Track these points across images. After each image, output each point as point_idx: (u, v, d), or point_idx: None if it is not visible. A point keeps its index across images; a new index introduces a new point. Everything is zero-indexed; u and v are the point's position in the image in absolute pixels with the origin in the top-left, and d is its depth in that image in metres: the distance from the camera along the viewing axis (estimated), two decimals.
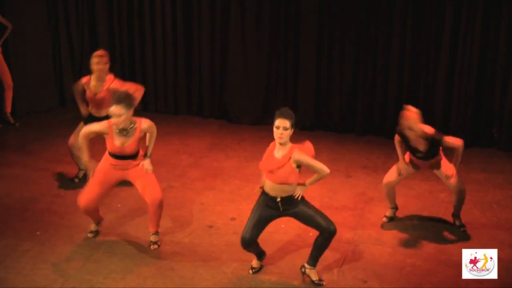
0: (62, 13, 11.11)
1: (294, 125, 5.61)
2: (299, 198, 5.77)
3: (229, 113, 10.84)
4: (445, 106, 9.63)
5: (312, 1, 9.97)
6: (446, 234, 6.90)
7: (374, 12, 9.71)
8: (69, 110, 10.84)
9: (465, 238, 6.81)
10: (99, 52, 7.74)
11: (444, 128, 9.61)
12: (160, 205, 6.45)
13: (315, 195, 7.84)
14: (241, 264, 6.20)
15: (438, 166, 6.81)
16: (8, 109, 10.35)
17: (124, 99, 6.12)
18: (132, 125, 6.23)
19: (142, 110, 11.22)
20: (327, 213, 7.34)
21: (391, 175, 7.02)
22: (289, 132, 5.57)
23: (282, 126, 5.52)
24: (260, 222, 5.85)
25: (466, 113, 9.52)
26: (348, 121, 10.27)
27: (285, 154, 5.62)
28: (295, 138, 5.91)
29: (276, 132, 5.57)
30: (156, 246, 6.57)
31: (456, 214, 7.07)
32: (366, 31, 9.82)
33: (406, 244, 6.71)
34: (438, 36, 9.45)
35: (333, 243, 6.64)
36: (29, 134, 9.99)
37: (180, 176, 8.47)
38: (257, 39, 10.46)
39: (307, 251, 5.98)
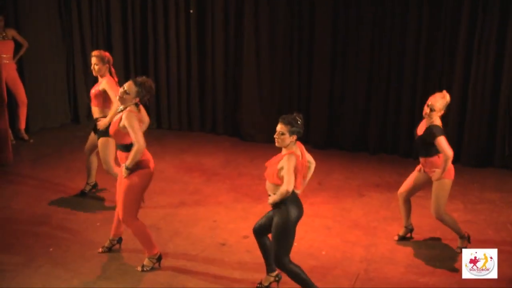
0: (76, 31, 11.22)
1: (295, 133, 5.57)
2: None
3: (242, 131, 10.86)
4: (459, 125, 9.59)
5: (325, 20, 10.01)
6: (460, 253, 6.84)
7: (388, 31, 9.73)
8: (82, 127, 10.91)
9: None
10: (94, 52, 7.81)
11: (457, 147, 9.59)
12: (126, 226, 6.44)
13: (328, 214, 7.83)
14: (253, 283, 6.17)
15: (435, 175, 6.67)
16: (22, 125, 10.40)
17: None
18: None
19: (156, 127, 11.30)
20: (340, 231, 7.38)
21: (405, 184, 7.01)
22: (285, 137, 5.57)
23: (278, 130, 5.60)
24: (266, 216, 5.90)
25: (480, 133, 9.48)
26: (361, 139, 10.25)
27: (279, 156, 5.67)
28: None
29: (275, 135, 5.64)
30: (140, 268, 6.36)
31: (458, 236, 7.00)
32: (379, 50, 9.83)
33: (419, 263, 6.66)
34: (452, 55, 9.45)
35: (346, 261, 6.63)
36: (42, 150, 10.04)
37: (193, 193, 8.47)
38: (271, 58, 10.51)
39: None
